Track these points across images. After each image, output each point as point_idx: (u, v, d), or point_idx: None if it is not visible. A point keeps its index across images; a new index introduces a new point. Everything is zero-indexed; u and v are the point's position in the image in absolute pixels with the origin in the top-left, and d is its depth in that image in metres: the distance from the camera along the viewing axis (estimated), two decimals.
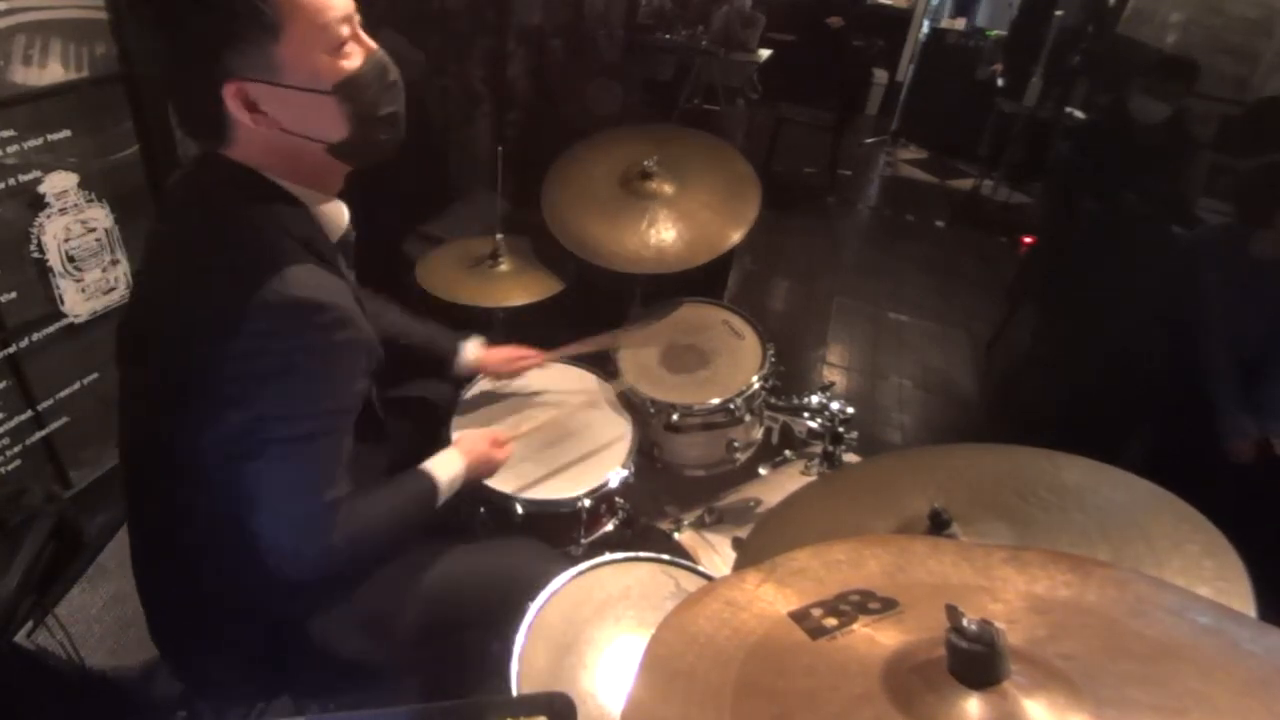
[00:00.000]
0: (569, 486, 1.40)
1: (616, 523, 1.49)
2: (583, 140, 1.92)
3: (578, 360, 1.68)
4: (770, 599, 0.64)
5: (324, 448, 0.92)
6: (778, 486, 1.57)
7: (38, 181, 1.48)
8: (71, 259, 1.58)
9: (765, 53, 5.12)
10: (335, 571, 0.98)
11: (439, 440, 1.43)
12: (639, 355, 1.69)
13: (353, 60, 0.87)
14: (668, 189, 1.76)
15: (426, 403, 1.53)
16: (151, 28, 0.83)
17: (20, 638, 1.22)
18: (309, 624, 1.06)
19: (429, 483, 1.13)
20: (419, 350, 1.46)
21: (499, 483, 1.36)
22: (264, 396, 0.87)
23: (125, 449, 1.05)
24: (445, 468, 1.16)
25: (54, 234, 1.53)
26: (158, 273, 0.98)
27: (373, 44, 0.91)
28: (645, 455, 1.60)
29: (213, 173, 0.92)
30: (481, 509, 1.39)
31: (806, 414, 1.51)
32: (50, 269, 1.54)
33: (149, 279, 1.00)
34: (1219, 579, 0.73)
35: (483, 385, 1.61)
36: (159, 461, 0.98)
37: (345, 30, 0.86)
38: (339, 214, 1.00)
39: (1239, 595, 0.71)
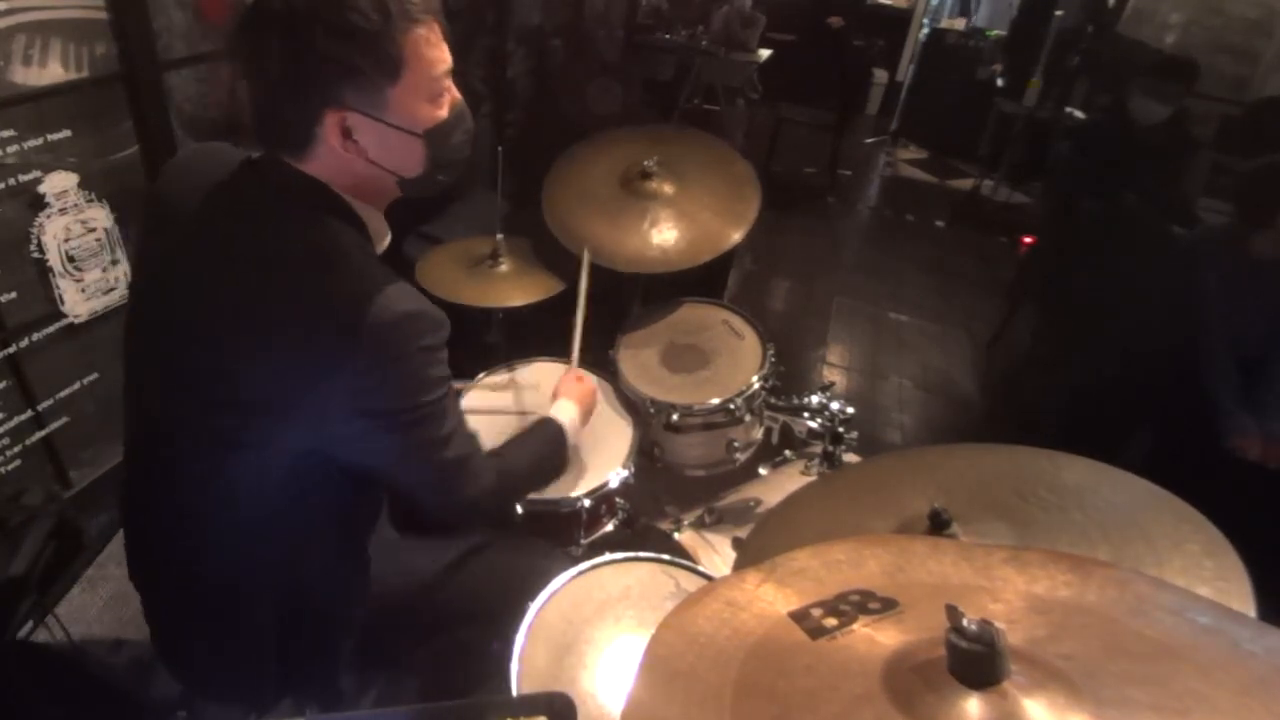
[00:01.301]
0: (569, 486, 1.40)
1: (616, 523, 1.50)
2: (583, 140, 1.92)
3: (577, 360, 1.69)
4: (770, 599, 0.64)
5: (436, 417, 0.95)
6: (778, 486, 1.57)
7: (38, 181, 1.47)
8: (71, 259, 1.58)
9: (765, 53, 5.12)
10: (499, 509, 1.13)
11: None
12: (639, 355, 1.69)
13: (444, 109, 0.93)
14: (668, 189, 1.76)
15: None
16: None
17: (20, 638, 1.22)
18: (309, 625, 1.06)
19: (556, 426, 1.24)
20: None
21: None
22: (378, 403, 0.88)
23: (130, 448, 1.04)
24: (565, 411, 1.28)
25: (54, 234, 1.53)
26: (211, 271, 0.91)
27: (458, 94, 0.97)
28: (645, 455, 1.60)
29: (283, 179, 0.91)
30: None
31: (806, 414, 1.51)
32: (50, 269, 1.54)
33: (192, 275, 0.93)
34: (1219, 579, 0.73)
35: (484, 384, 1.61)
36: (164, 463, 0.97)
37: (446, 82, 0.93)
38: (383, 229, 1.02)
39: (1239, 595, 0.71)
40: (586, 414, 1.35)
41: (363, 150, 0.89)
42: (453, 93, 0.95)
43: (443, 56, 0.91)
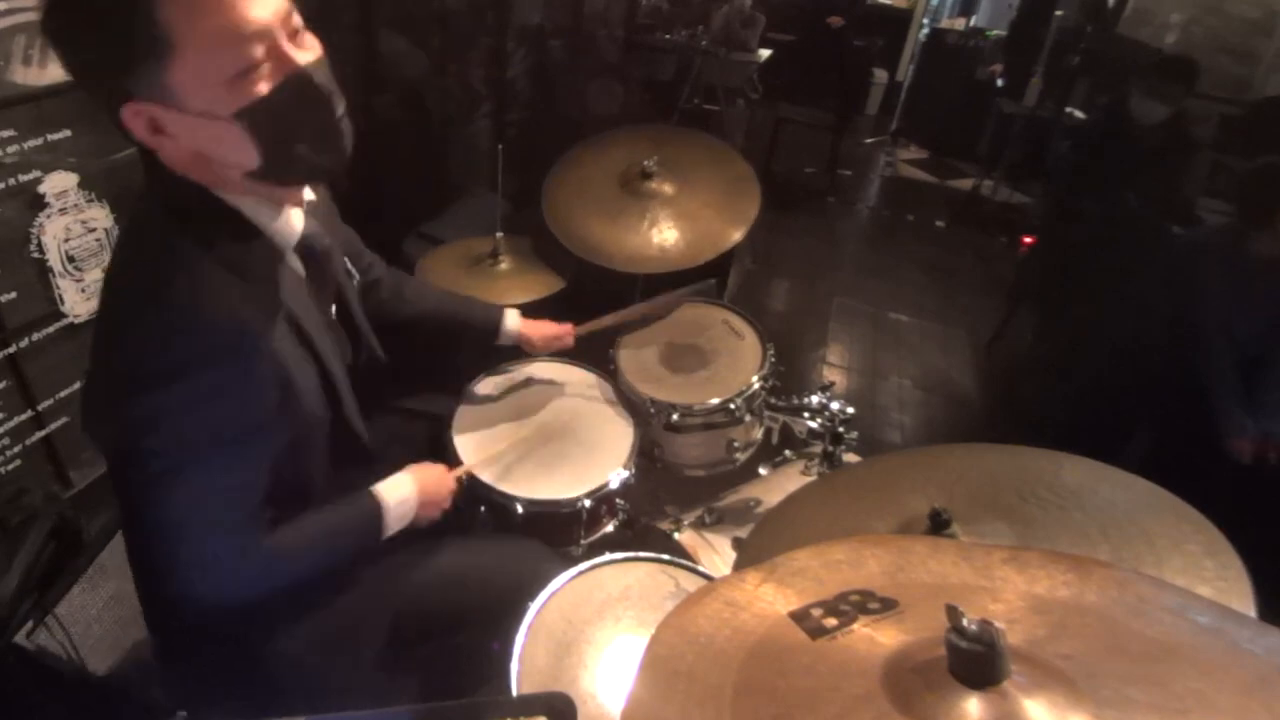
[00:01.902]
0: (569, 487, 1.40)
1: (616, 523, 1.50)
2: (583, 140, 1.92)
3: (578, 360, 1.69)
4: (770, 599, 0.64)
5: (224, 475, 0.86)
6: (778, 486, 1.57)
7: (38, 181, 1.47)
8: (71, 259, 1.58)
9: (765, 53, 5.12)
10: (265, 594, 0.94)
11: (441, 453, 1.43)
12: (639, 355, 1.69)
13: (264, 84, 0.78)
14: (668, 189, 1.76)
15: (429, 417, 1.52)
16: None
17: (20, 638, 1.22)
18: (281, 641, 1.04)
19: (374, 506, 1.07)
20: (462, 325, 1.48)
21: (499, 482, 1.37)
22: (156, 420, 0.82)
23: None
24: (395, 491, 1.10)
25: (54, 234, 1.53)
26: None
27: (299, 61, 0.80)
28: (645, 455, 1.60)
29: (157, 182, 0.88)
30: (482, 508, 1.39)
31: (806, 414, 1.51)
32: (50, 269, 1.54)
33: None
34: (1219, 579, 0.73)
35: (484, 384, 1.61)
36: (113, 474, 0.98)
37: (258, 52, 0.76)
38: (288, 222, 0.94)
39: (1239, 595, 0.71)
40: (427, 504, 1.14)
41: (180, 144, 0.81)
42: (285, 58, 0.79)
43: (238, 18, 0.74)
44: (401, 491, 1.10)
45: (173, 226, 0.85)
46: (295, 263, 1.00)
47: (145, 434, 0.82)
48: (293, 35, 0.81)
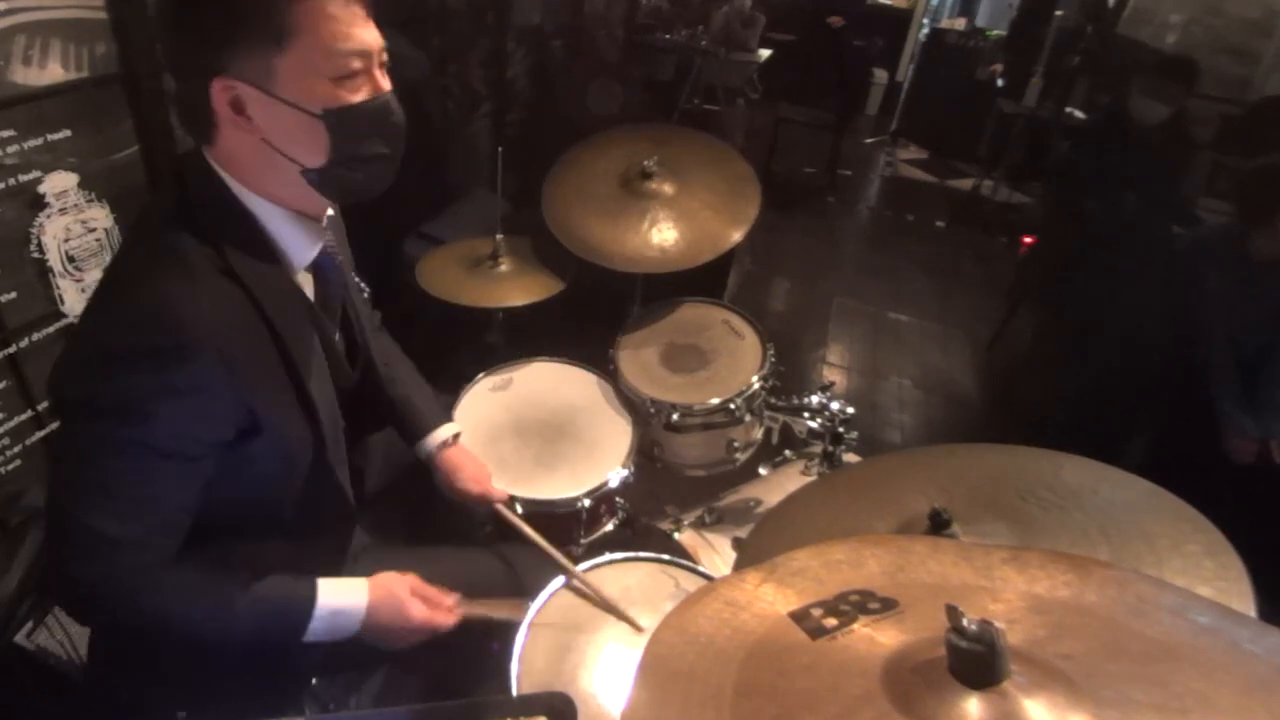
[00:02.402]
0: (569, 486, 1.40)
1: (616, 523, 1.50)
2: (583, 140, 1.92)
3: (578, 360, 1.69)
4: (770, 599, 0.64)
5: (140, 476, 0.84)
6: (778, 486, 1.57)
7: (38, 181, 1.47)
8: (71, 259, 1.58)
9: (765, 53, 5.13)
10: (133, 619, 0.88)
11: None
12: (639, 355, 1.69)
13: (355, 94, 0.86)
14: (668, 189, 1.76)
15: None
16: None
17: (20, 638, 1.22)
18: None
19: (305, 599, 0.95)
20: (397, 416, 1.30)
21: (499, 482, 1.36)
22: (93, 400, 0.82)
23: None
24: (340, 595, 0.98)
25: (54, 234, 1.53)
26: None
27: (386, 87, 0.89)
28: (645, 455, 1.60)
29: (182, 177, 0.91)
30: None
31: (806, 414, 1.51)
32: (50, 269, 1.54)
33: None
34: (1219, 579, 0.73)
35: (484, 384, 1.61)
36: None
37: (357, 64, 0.85)
38: (304, 240, 0.96)
39: (1239, 595, 0.71)
40: (380, 630, 1.00)
41: (257, 128, 0.84)
42: (376, 82, 0.88)
43: (351, 33, 0.83)
44: (347, 600, 0.98)
45: (185, 224, 0.86)
46: (305, 284, 1.00)
47: (79, 409, 0.83)
48: (380, 65, 0.90)
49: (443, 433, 1.29)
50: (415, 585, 1.04)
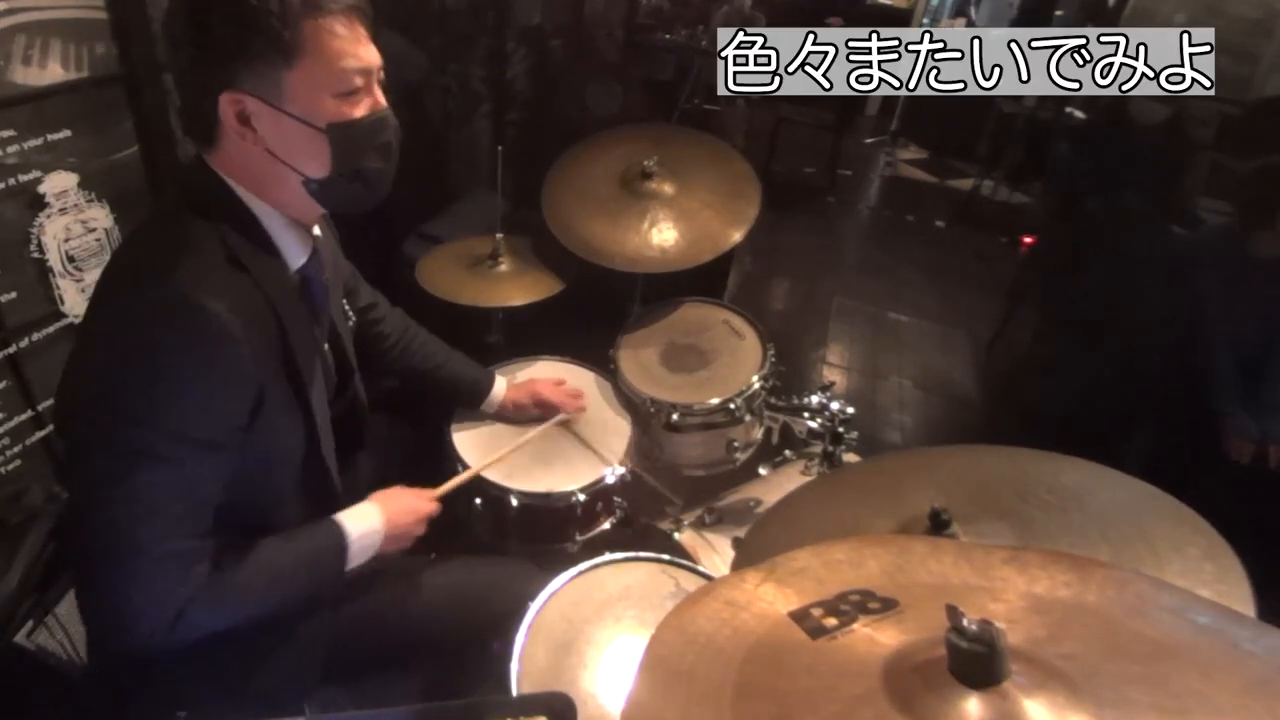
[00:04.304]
0: (565, 481, 1.40)
1: (614, 522, 1.50)
2: (583, 140, 1.92)
3: (577, 359, 1.69)
4: (770, 599, 0.64)
5: (173, 484, 0.83)
6: (778, 486, 1.57)
7: (38, 181, 1.47)
8: (71, 259, 1.58)
9: None
10: (205, 632, 0.88)
11: (436, 453, 1.42)
12: (639, 355, 1.69)
13: (356, 109, 0.90)
14: (668, 189, 1.76)
15: (429, 417, 1.50)
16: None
17: (20, 638, 1.22)
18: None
19: (337, 537, 1.01)
20: (452, 389, 1.47)
21: (495, 476, 1.37)
22: (116, 398, 0.81)
23: None
24: (360, 521, 1.05)
25: (54, 234, 1.53)
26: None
27: (384, 103, 0.94)
28: (645, 455, 1.60)
29: (185, 178, 0.95)
30: (477, 501, 1.39)
31: (806, 414, 1.51)
32: (50, 269, 1.54)
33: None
34: (1219, 582, 0.73)
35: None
36: None
37: (359, 81, 0.90)
38: (299, 241, 0.99)
39: (1239, 598, 0.71)
40: (395, 537, 1.09)
41: (261, 139, 0.88)
42: (375, 98, 0.93)
43: (355, 52, 0.88)
44: (367, 522, 1.05)
45: (191, 217, 0.89)
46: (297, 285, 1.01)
47: (101, 414, 0.82)
48: (379, 82, 0.95)
49: (500, 388, 1.48)
50: (401, 487, 1.16)
